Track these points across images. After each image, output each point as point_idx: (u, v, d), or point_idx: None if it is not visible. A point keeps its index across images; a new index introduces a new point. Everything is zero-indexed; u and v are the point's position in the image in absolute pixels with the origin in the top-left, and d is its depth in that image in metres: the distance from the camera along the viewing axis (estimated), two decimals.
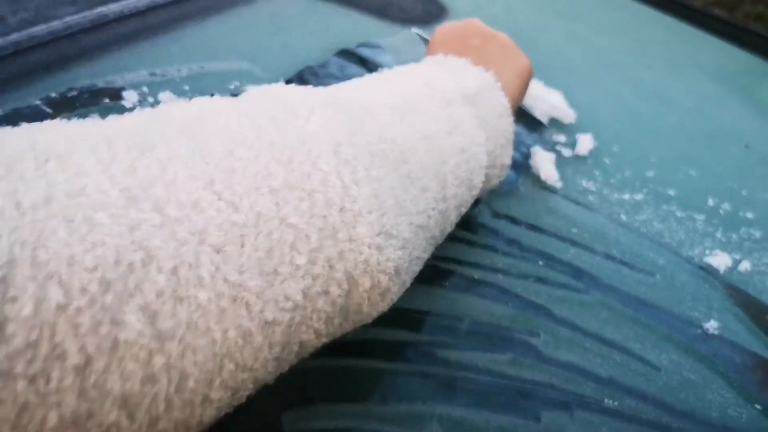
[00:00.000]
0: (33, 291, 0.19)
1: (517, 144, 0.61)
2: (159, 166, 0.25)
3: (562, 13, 0.90)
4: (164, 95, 0.55)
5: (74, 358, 0.19)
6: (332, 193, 0.28)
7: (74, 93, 0.54)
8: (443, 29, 0.50)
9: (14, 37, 0.58)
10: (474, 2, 0.85)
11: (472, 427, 0.38)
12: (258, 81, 0.60)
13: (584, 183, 0.58)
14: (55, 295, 0.19)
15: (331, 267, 0.28)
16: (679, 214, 0.57)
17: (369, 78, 0.42)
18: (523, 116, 0.64)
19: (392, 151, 0.33)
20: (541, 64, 0.73)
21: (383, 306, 0.34)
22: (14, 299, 0.18)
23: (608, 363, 0.43)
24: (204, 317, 0.23)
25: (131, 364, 0.20)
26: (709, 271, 0.52)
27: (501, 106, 0.43)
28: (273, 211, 0.26)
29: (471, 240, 0.49)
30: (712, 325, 0.47)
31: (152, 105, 0.55)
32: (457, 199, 0.39)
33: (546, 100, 0.64)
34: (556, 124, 0.65)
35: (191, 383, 0.23)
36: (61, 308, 0.19)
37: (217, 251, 0.24)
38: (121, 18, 0.64)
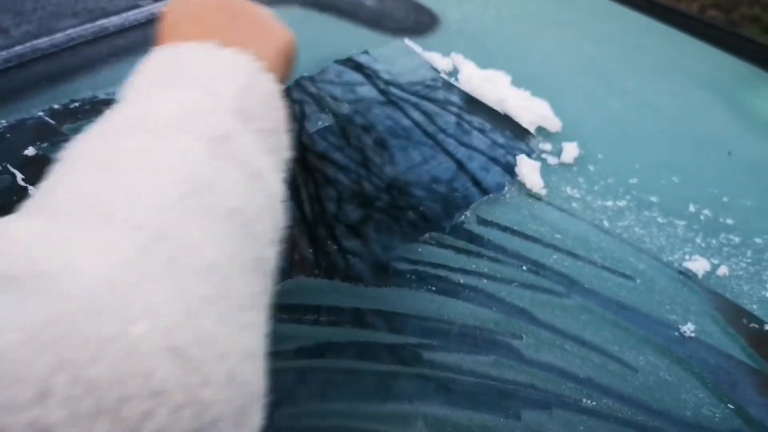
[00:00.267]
0: None
1: (503, 152, 0.63)
2: None
3: (553, 22, 0.92)
4: None
5: None
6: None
7: (76, 104, 0.56)
8: (176, 5, 0.40)
9: (18, 49, 0.60)
10: (465, 12, 0.87)
11: (456, 426, 0.40)
12: None
13: (569, 190, 0.60)
14: None
15: None
16: (660, 220, 0.59)
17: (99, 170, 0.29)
18: (509, 125, 0.66)
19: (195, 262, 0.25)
20: (529, 73, 0.75)
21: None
22: None
23: (587, 364, 0.45)
24: None
25: None
26: (688, 275, 0.54)
27: (272, 92, 0.37)
28: None
29: (457, 246, 0.51)
30: (689, 328, 0.49)
31: None
32: (274, 256, 0.32)
33: (532, 109, 0.66)
34: (542, 132, 0.67)
35: None
36: None
37: None
38: (122, 30, 0.66)
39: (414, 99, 0.67)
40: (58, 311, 0.21)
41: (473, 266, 0.50)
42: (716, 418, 0.44)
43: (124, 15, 0.67)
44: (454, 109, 0.67)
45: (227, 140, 0.31)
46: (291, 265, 0.47)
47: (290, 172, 0.51)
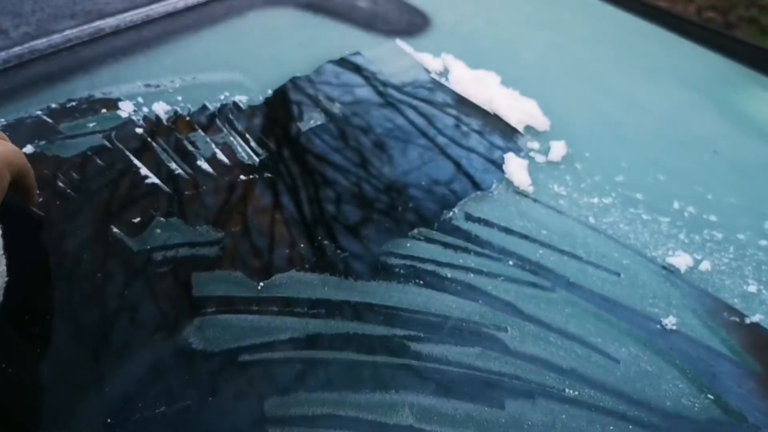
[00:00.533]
0: None
1: (491, 150, 0.64)
2: None
3: (544, 24, 0.93)
4: (158, 105, 0.59)
5: None
6: None
7: (73, 103, 0.57)
8: None
9: (16, 50, 0.61)
10: (457, 15, 0.88)
11: (441, 414, 0.41)
12: (248, 91, 0.64)
13: (556, 187, 0.61)
14: None
15: None
16: (645, 216, 0.60)
17: None
18: (498, 124, 0.68)
19: None
20: (519, 73, 0.77)
21: None
22: None
23: (571, 356, 0.46)
24: None
25: None
26: (671, 270, 0.55)
27: None
28: None
29: (445, 241, 0.53)
30: (670, 321, 0.50)
31: (147, 115, 0.58)
32: None
33: (521, 109, 0.68)
34: (530, 131, 0.68)
35: None
36: None
37: None
38: (118, 32, 0.67)
39: (412, 101, 0.68)
40: None
41: (461, 261, 0.51)
42: (696, 408, 0.45)
43: (120, 17, 0.69)
44: (450, 111, 0.68)
45: None
46: (289, 262, 0.48)
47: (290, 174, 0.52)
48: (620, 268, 0.54)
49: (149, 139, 0.56)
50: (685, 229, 0.60)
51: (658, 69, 0.89)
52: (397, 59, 0.74)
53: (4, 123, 0.54)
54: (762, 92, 0.88)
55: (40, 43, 0.62)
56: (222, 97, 0.62)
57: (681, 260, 0.55)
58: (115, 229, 0.48)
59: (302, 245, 0.50)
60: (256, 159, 0.57)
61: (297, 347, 0.43)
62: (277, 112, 0.63)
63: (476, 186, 0.59)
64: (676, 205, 0.62)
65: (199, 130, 0.58)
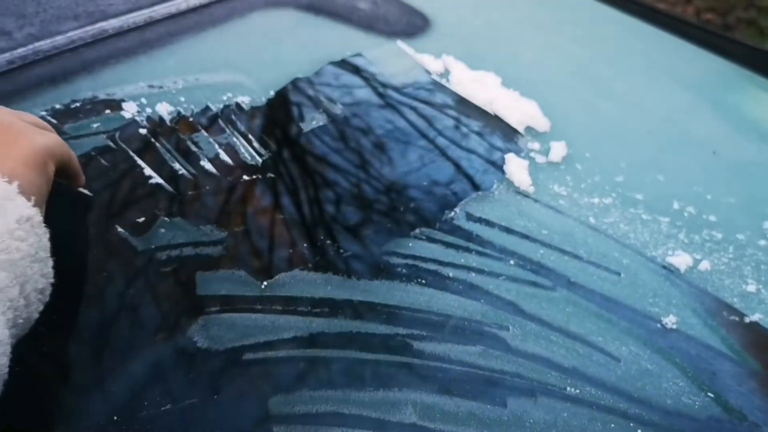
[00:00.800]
0: None
1: (492, 151, 0.65)
2: None
3: (543, 25, 0.94)
4: (161, 106, 0.59)
5: None
6: None
7: (77, 104, 0.57)
8: None
9: (20, 51, 0.61)
10: (457, 16, 0.89)
11: (444, 412, 0.41)
12: (250, 92, 0.64)
13: (556, 188, 0.61)
14: None
15: None
16: (645, 216, 0.60)
17: None
18: (499, 124, 0.68)
19: None
20: (519, 74, 0.77)
21: None
22: None
23: (572, 354, 0.47)
24: None
25: None
26: (670, 270, 0.55)
27: (22, 219, 0.35)
28: None
29: (446, 241, 0.53)
30: (670, 320, 0.51)
31: (150, 116, 0.58)
32: None
33: (521, 109, 0.68)
34: (530, 131, 0.68)
35: None
36: None
37: None
38: (121, 33, 0.67)
39: (412, 102, 0.69)
40: None
41: (462, 260, 0.52)
42: (696, 406, 0.45)
43: (123, 18, 0.69)
44: (450, 112, 0.69)
45: None
46: (292, 261, 0.49)
47: (289, 176, 0.52)
48: (620, 268, 0.54)
49: (153, 140, 0.56)
50: (685, 229, 0.60)
51: (657, 70, 0.89)
52: (398, 60, 0.75)
53: None
54: (760, 93, 0.88)
55: (44, 44, 0.63)
56: (224, 98, 0.63)
57: (681, 260, 0.56)
58: (119, 229, 0.48)
59: (305, 245, 0.50)
60: (259, 159, 0.57)
61: (300, 346, 0.44)
62: (280, 113, 0.63)
63: (477, 186, 0.60)
64: (675, 206, 0.62)
65: (202, 131, 0.58)
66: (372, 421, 0.40)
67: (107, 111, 0.58)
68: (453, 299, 0.49)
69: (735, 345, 0.50)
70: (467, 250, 0.53)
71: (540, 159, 0.64)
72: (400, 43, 0.78)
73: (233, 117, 0.61)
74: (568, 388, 0.44)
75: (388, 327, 0.46)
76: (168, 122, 0.58)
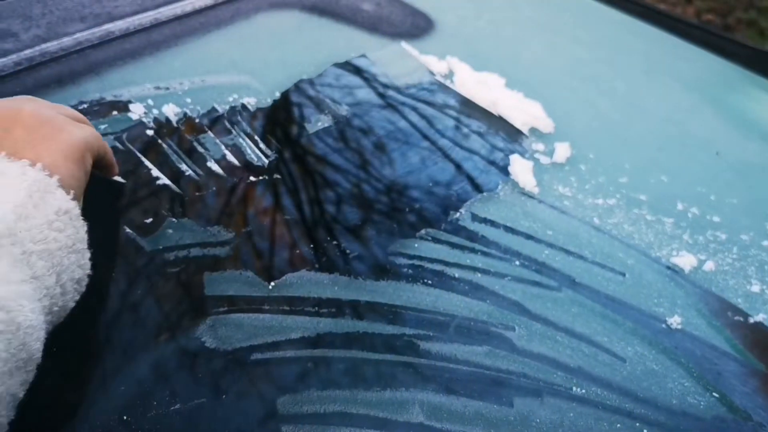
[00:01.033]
0: None
1: (497, 152, 0.65)
2: None
3: (545, 26, 0.94)
4: (168, 108, 0.59)
5: None
6: None
7: (84, 106, 0.58)
8: None
9: (27, 52, 0.62)
10: (459, 17, 0.89)
11: (450, 412, 0.42)
12: (256, 93, 0.64)
13: (560, 189, 0.62)
14: None
15: None
16: (649, 217, 0.61)
17: None
18: (503, 126, 0.69)
19: None
20: (522, 75, 0.78)
21: None
22: None
23: (577, 354, 0.47)
24: None
25: None
26: (675, 270, 0.56)
27: (61, 211, 0.36)
28: None
29: (452, 242, 0.53)
30: (675, 320, 0.51)
31: (157, 117, 0.59)
32: (2, 390, 0.31)
33: (525, 111, 0.68)
34: (535, 133, 0.69)
35: None
36: None
37: None
38: (127, 34, 0.68)
39: (412, 102, 0.69)
40: None
41: (468, 261, 0.52)
42: (701, 406, 0.45)
43: (130, 20, 0.69)
44: (452, 113, 0.69)
45: None
46: (299, 262, 0.49)
47: (290, 176, 0.53)
48: (625, 268, 0.55)
49: (159, 141, 0.56)
50: (689, 230, 0.60)
51: (658, 71, 0.89)
52: (403, 62, 0.75)
53: None
54: (761, 94, 0.89)
55: (51, 45, 0.63)
56: (230, 99, 0.63)
57: (685, 260, 0.56)
58: (127, 230, 0.48)
59: (311, 246, 0.51)
60: (265, 160, 0.57)
61: (307, 346, 0.44)
62: (286, 114, 0.64)
63: (482, 187, 0.60)
64: (679, 206, 0.63)
65: (209, 132, 0.59)
66: (379, 420, 0.40)
67: (114, 112, 0.58)
68: (459, 299, 0.49)
69: (739, 345, 0.50)
70: (473, 250, 0.53)
71: (544, 160, 0.65)
72: (404, 45, 0.78)
73: (240, 118, 0.61)
74: (574, 388, 0.45)
75: (395, 327, 0.46)
76: (174, 123, 0.59)
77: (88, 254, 0.38)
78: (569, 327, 0.49)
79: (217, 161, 0.56)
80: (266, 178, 0.56)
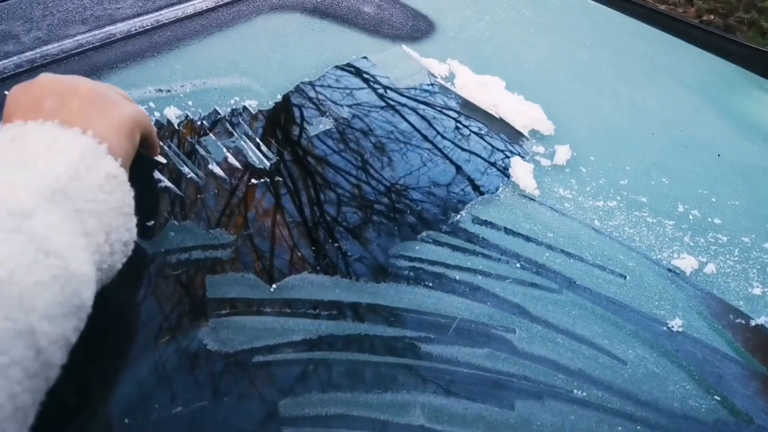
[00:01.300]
0: None
1: (497, 154, 0.65)
2: None
3: (546, 28, 0.94)
4: (170, 110, 0.59)
5: None
6: None
7: None
8: (16, 89, 0.42)
9: (28, 54, 0.62)
10: (461, 19, 0.89)
11: (452, 414, 0.42)
12: (257, 95, 0.65)
13: (561, 191, 0.62)
14: None
15: None
16: (650, 219, 0.61)
17: None
18: (504, 128, 0.69)
19: None
20: (523, 78, 0.78)
21: None
22: None
23: (578, 357, 0.47)
24: None
25: None
26: (676, 272, 0.56)
27: (110, 176, 0.38)
28: None
29: (453, 244, 0.53)
30: (676, 323, 0.51)
31: (158, 120, 0.59)
32: (58, 332, 0.32)
33: (526, 113, 0.68)
34: (535, 135, 0.69)
35: None
36: None
37: None
38: (128, 37, 0.68)
39: (413, 104, 0.69)
40: None
41: (469, 263, 0.52)
42: (703, 409, 0.45)
43: (131, 22, 0.69)
44: (452, 114, 0.69)
45: (21, 215, 0.32)
46: (300, 264, 0.49)
47: (290, 177, 0.53)
48: (626, 271, 0.55)
49: (161, 144, 0.56)
50: (690, 232, 0.60)
51: (659, 72, 0.89)
52: (404, 64, 0.75)
53: None
54: (762, 95, 0.89)
55: (52, 48, 0.63)
56: (232, 101, 0.63)
57: (686, 263, 0.56)
58: None
59: (313, 248, 0.51)
60: (267, 163, 0.57)
61: (309, 348, 0.44)
62: (287, 116, 0.64)
63: (482, 189, 0.60)
64: (680, 208, 0.63)
65: (211, 135, 0.59)
66: (380, 423, 0.40)
67: None
68: (459, 302, 0.49)
69: (741, 348, 0.50)
70: (473, 252, 0.53)
71: (545, 162, 0.65)
72: (405, 47, 0.78)
73: (241, 120, 0.61)
74: (575, 391, 0.45)
75: (396, 329, 0.46)
76: (176, 126, 0.59)
77: (134, 219, 0.40)
78: (570, 329, 0.49)
79: (219, 163, 0.56)
80: (267, 180, 0.56)
